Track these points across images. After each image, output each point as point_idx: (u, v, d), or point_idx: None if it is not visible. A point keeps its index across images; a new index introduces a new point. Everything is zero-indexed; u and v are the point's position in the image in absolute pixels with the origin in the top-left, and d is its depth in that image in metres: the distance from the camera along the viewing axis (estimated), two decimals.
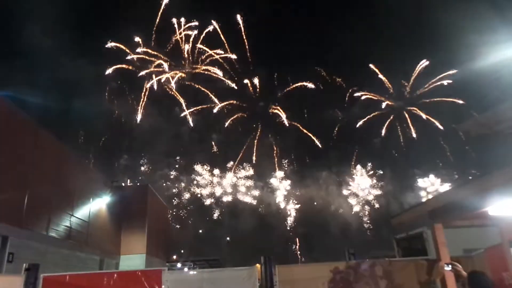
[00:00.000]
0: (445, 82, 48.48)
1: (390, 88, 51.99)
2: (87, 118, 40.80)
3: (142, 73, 46.57)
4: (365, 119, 51.28)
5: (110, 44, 45.55)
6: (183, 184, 47.79)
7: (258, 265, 8.35)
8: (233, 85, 50.01)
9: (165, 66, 47.88)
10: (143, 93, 46.47)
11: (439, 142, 48.61)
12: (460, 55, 41.66)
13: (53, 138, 14.70)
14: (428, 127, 49.51)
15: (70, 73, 38.03)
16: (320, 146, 50.80)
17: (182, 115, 48.39)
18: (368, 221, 48.98)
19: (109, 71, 45.23)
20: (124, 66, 46.40)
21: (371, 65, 51.12)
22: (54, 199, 13.97)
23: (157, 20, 47.28)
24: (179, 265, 27.62)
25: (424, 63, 49.63)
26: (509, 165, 5.21)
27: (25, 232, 11.80)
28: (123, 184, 38.70)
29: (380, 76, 51.59)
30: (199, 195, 47.78)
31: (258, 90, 51.33)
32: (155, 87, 47.47)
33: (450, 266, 4.93)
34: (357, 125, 51.12)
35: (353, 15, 48.22)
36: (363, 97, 51.84)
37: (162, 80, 47.78)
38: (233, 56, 50.29)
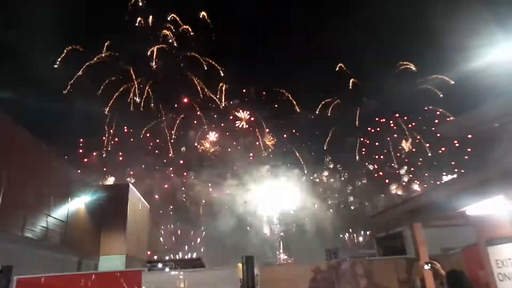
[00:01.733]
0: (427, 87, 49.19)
1: (365, 94, 52.43)
2: (65, 118, 39.93)
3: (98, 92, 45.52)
4: (330, 135, 51.50)
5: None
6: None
7: (239, 265, 8.32)
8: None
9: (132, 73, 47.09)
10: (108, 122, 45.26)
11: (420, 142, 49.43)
12: (440, 58, 42.49)
13: (29, 136, 14.25)
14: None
15: (42, 71, 37.23)
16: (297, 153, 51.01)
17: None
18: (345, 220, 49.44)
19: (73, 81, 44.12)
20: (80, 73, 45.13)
21: (341, 65, 51.35)
22: (30, 199, 13.53)
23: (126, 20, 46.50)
24: (160, 265, 27.25)
25: (404, 65, 50.32)
26: (485, 166, 5.33)
27: None
28: (104, 183, 38.14)
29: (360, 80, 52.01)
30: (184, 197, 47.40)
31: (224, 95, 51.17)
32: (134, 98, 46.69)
33: (429, 265, 5.00)
34: (324, 146, 51.33)
35: (339, 16, 48.52)
36: (332, 105, 51.98)
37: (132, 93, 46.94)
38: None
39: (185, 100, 49.78)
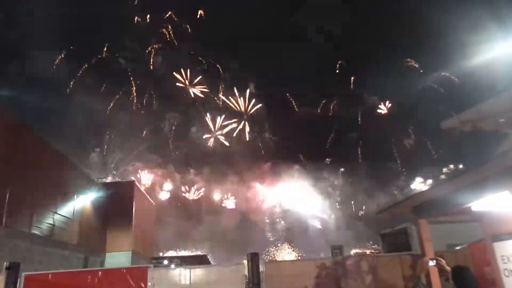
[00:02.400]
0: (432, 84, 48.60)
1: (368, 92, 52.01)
2: (69, 114, 40.18)
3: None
4: (331, 138, 51.03)
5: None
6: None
7: (245, 261, 8.36)
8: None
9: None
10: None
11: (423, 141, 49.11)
12: (444, 54, 42.08)
13: (35, 135, 14.38)
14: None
15: (46, 69, 37.54)
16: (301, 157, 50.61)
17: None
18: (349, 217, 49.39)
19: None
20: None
21: (341, 62, 50.78)
22: (37, 197, 13.67)
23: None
24: (166, 262, 27.43)
25: (408, 61, 49.80)
26: (490, 161, 5.30)
27: (7, 230, 11.53)
28: (109, 180, 38.38)
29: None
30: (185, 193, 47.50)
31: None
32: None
33: (434, 261, 4.99)
34: (327, 146, 50.90)
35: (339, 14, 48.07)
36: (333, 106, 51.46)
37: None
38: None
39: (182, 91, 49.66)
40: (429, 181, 47.25)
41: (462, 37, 35.80)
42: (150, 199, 29.09)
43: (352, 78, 51.96)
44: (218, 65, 50.73)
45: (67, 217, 16.00)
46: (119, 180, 40.40)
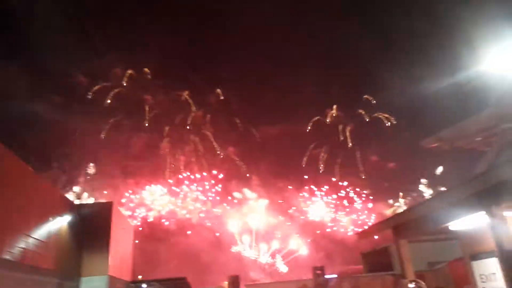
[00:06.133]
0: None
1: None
2: (40, 130, 38.85)
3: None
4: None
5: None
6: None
7: (225, 283, 8.18)
8: None
9: None
10: None
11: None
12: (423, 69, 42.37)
13: (8, 153, 13.89)
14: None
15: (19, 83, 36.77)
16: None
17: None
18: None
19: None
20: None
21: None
22: (7, 219, 13.10)
23: None
24: (144, 286, 26.52)
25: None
26: (467, 182, 5.40)
27: None
28: (85, 201, 37.33)
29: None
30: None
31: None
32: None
33: (413, 283, 4.98)
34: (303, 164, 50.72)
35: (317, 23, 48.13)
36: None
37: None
38: None
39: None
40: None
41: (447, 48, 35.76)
42: (128, 220, 28.37)
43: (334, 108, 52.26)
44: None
45: (40, 240, 15.37)
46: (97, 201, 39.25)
